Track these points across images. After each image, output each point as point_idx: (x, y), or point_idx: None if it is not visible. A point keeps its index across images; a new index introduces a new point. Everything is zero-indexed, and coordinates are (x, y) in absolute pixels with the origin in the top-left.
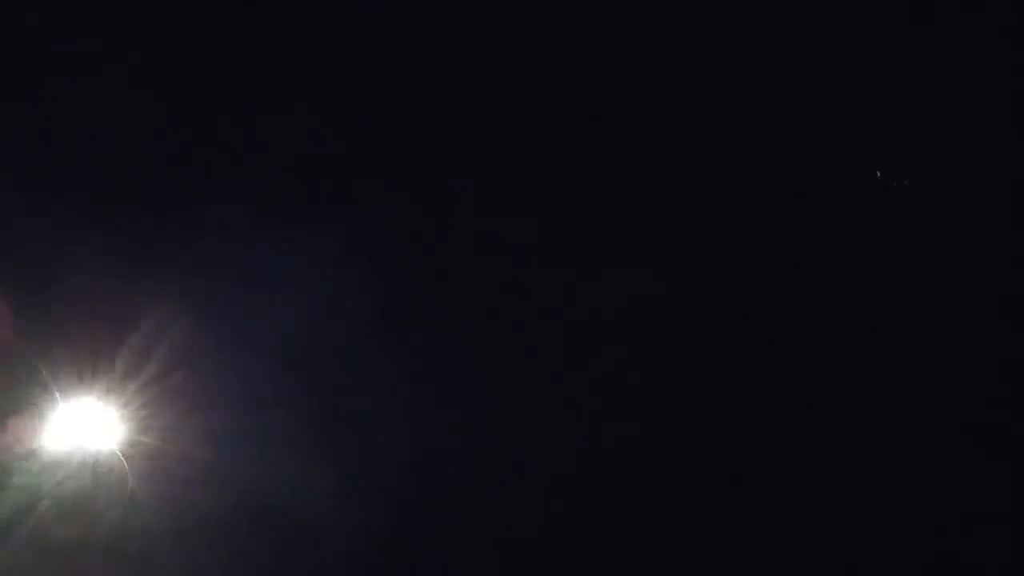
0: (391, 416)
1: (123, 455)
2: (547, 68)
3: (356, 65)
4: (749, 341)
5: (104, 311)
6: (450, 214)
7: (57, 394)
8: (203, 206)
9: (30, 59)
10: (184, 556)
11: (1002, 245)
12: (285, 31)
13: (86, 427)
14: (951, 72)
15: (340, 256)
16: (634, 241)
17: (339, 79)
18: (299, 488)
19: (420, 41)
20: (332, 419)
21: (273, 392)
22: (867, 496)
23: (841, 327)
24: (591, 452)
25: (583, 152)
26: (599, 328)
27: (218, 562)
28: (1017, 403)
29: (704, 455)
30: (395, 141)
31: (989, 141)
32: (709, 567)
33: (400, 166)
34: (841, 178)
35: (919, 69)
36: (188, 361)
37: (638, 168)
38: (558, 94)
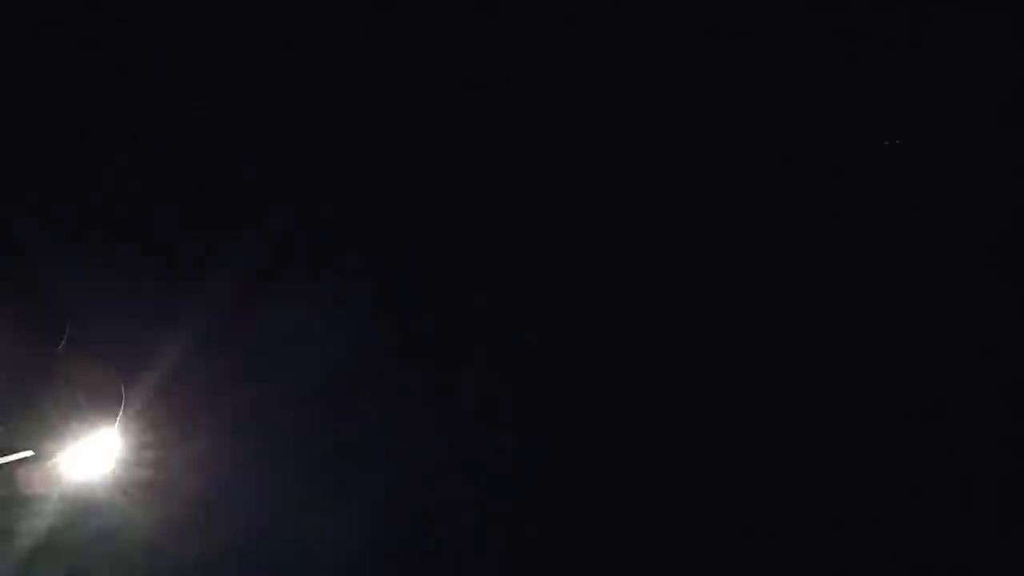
0: (397, 451)
1: (132, 481)
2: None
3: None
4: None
5: (112, 339)
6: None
7: (77, 421)
8: (212, 236)
9: (43, 68)
10: None
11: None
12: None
13: (101, 454)
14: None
15: (350, 293)
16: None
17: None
18: (306, 521)
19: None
20: (337, 453)
21: (286, 425)
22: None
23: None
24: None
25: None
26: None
27: None
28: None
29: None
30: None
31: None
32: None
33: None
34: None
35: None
36: (197, 391)
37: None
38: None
